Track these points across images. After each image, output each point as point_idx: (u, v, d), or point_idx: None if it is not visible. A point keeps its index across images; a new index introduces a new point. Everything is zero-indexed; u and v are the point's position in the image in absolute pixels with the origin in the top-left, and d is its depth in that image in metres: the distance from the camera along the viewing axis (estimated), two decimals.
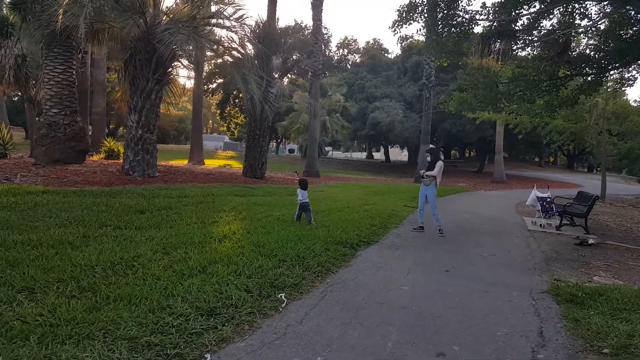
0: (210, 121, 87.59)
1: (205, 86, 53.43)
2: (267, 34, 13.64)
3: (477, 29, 11.61)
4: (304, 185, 7.58)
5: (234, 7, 10.29)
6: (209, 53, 12.98)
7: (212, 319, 3.35)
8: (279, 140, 66.70)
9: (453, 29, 10.43)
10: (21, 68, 15.35)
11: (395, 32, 10.05)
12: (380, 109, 34.36)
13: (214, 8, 10.01)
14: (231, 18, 10.23)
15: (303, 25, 51.68)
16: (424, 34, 10.31)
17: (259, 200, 9.55)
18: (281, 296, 4.01)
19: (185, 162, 25.42)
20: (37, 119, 17.09)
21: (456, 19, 10.51)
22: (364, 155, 68.07)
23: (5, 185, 7.63)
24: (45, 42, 10.85)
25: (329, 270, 5.05)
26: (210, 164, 28.71)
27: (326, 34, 60.78)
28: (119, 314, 3.16)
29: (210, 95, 56.49)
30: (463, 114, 21.36)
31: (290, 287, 4.26)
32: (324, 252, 5.58)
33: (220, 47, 10.03)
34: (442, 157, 8.11)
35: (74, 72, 11.44)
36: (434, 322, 3.75)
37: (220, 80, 50.22)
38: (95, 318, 3.06)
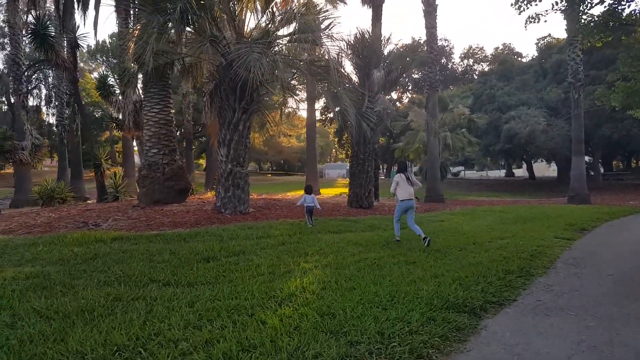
0: (334, 150, 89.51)
1: (323, 115, 54.51)
2: (366, 46, 12.39)
3: None
4: (308, 190, 9.62)
5: (321, 17, 9.26)
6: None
7: None
8: None
9: None
10: (139, 113, 16.57)
11: (521, 8, 7.88)
12: (517, 118, 30.50)
13: (290, 27, 9.08)
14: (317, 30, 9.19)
15: (422, 41, 49.86)
16: (562, 7, 7.89)
17: (357, 238, 8.06)
18: None
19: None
20: None
21: None
22: (502, 173, 62.07)
23: (86, 231, 7.45)
24: (143, 83, 11.12)
25: None
26: (326, 193, 28.21)
27: (447, 45, 58.09)
28: None
29: (328, 124, 57.47)
30: (629, 114, 17.19)
31: None
32: (425, 325, 3.84)
33: (302, 62, 9.07)
34: (407, 169, 8.46)
35: (170, 111, 11.56)
36: None
37: (337, 108, 50.51)
38: None
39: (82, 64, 48.14)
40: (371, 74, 12.38)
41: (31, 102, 40.96)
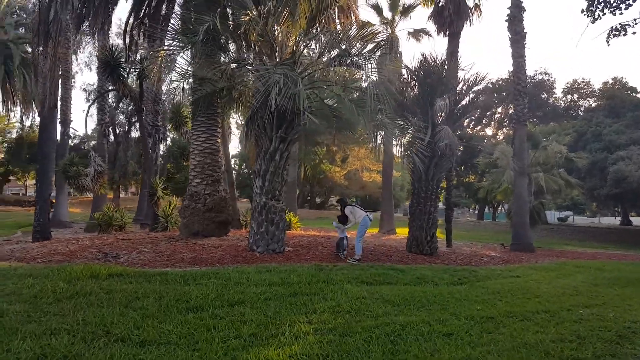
0: None
1: (408, 151, 52.75)
2: (430, 72, 11.21)
3: None
4: (343, 220, 9.52)
5: (364, 41, 8.30)
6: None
7: None
8: (496, 205, 60.09)
9: None
10: None
11: (596, 15, 6.24)
12: (627, 159, 26.70)
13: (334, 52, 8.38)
14: (359, 54, 8.22)
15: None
16: None
17: (392, 293, 6.70)
18: None
19: (376, 230, 23.91)
20: None
21: None
22: (618, 220, 54.89)
23: (93, 264, 7.02)
24: (192, 112, 10.98)
25: None
26: (403, 232, 26.44)
27: (548, 79, 54.06)
28: None
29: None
30: None
31: None
32: None
33: (336, 85, 8.20)
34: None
35: (217, 140, 11.26)
36: None
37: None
38: None
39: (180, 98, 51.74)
40: (434, 102, 11.10)
41: (134, 134, 44.89)
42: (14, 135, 45.42)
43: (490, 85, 47.02)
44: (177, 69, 8.83)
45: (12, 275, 6.25)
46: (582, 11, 6.50)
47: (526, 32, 19.77)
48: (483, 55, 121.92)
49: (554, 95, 55.39)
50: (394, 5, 23.82)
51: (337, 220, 9.82)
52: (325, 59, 8.51)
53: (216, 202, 11.03)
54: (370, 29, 9.20)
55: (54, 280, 5.94)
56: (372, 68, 8.04)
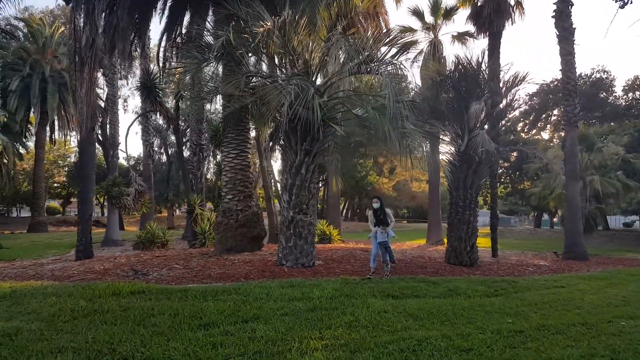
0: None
1: (442, 160, 51.20)
2: (466, 75, 10.82)
3: None
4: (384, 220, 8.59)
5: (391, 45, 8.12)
6: None
7: None
8: (553, 212, 56.94)
9: None
10: None
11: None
12: None
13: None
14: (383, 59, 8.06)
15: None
16: None
17: (418, 306, 6.38)
18: None
19: (423, 241, 23.28)
20: None
21: None
22: None
23: (119, 282, 7.23)
24: (222, 129, 11.21)
25: None
26: None
27: (606, 77, 51.01)
28: None
29: None
30: None
31: None
32: None
33: (359, 94, 8.01)
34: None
35: (248, 155, 11.40)
36: None
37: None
38: None
39: None
40: (469, 106, 10.67)
41: (186, 154, 46.56)
42: (73, 159, 48.41)
43: (545, 87, 45.01)
44: (203, 87, 9.03)
45: (39, 294, 6.50)
46: None
47: (575, 28, 18.68)
48: (528, 55, 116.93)
49: (614, 94, 52.14)
50: (435, 9, 23.27)
51: (378, 225, 8.59)
52: (347, 67, 8.37)
53: (248, 217, 11.13)
54: (393, 34, 9.04)
55: (75, 299, 6.13)
56: (395, 74, 7.85)
